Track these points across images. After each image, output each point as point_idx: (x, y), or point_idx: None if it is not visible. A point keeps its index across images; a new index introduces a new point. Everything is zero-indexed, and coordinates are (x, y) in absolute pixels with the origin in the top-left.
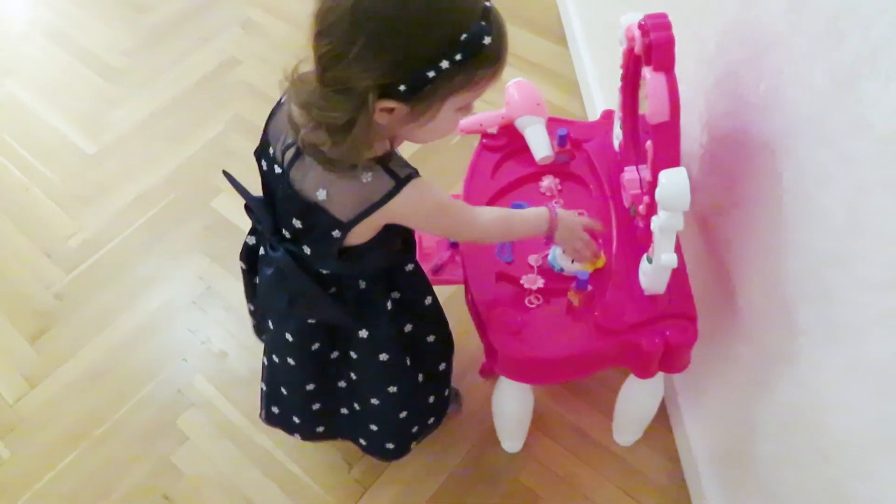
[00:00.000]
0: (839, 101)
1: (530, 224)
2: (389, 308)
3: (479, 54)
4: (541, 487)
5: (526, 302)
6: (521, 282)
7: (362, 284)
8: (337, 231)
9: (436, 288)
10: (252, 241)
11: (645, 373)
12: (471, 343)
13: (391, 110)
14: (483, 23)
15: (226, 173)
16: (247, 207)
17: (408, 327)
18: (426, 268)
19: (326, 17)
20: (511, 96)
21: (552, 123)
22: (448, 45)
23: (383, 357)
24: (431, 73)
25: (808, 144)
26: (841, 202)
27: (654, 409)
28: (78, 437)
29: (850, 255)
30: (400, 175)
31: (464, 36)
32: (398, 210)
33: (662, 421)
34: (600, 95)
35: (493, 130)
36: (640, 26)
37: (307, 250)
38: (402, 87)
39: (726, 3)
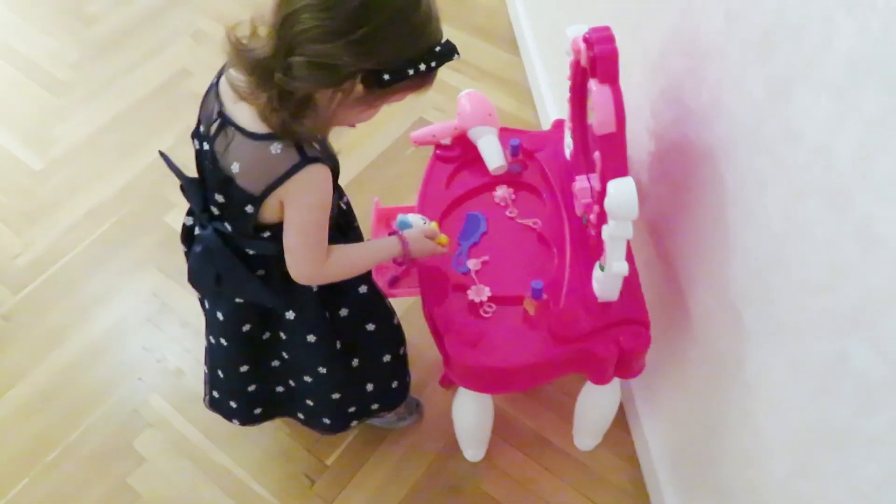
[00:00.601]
0: (774, 109)
1: (387, 252)
2: (315, 290)
3: (441, 66)
4: (503, 495)
5: (481, 312)
6: (468, 294)
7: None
8: (250, 206)
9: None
10: (189, 221)
11: (601, 379)
12: (431, 354)
13: (348, 92)
14: (448, 41)
15: (162, 154)
16: (181, 188)
17: (343, 312)
18: (381, 281)
19: None
20: (463, 107)
21: (504, 133)
22: (428, 52)
23: (311, 338)
24: (411, 72)
25: (747, 151)
26: (779, 207)
27: (612, 414)
28: (29, 462)
29: (789, 258)
30: (308, 154)
31: (438, 48)
32: (292, 188)
33: (621, 424)
34: (553, 103)
35: (447, 141)
36: (585, 39)
37: (229, 228)
38: (385, 77)
39: (667, 13)
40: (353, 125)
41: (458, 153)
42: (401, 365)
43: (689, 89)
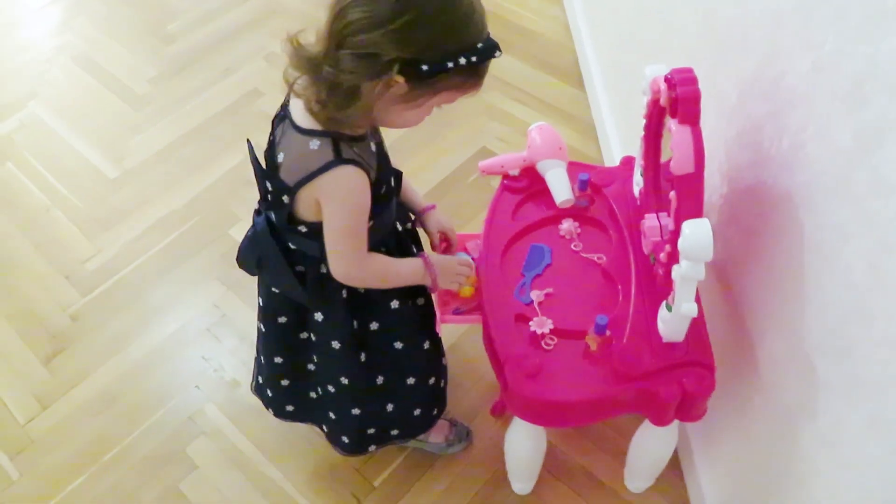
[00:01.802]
0: (862, 161)
1: (408, 279)
2: (345, 296)
3: (485, 64)
4: None
5: (542, 344)
6: (531, 325)
7: (324, 269)
8: (286, 196)
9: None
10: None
11: (661, 420)
12: (484, 382)
13: (391, 85)
14: (492, 38)
15: (249, 142)
16: (255, 175)
17: (373, 325)
18: (447, 309)
19: None
20: (533, 140)
21: (573, 167)
22: (469, 47)
23: (335, 345)
24: (450, 65)
25: (830, 201)
26: (862, 259)
27: (667, 457)
28: (87, 461)
29: (871, 311)
30: (344, 155)
31: (480, 44)
32: (324, 186)
33: (674, 468)
34: (616, 139)
35: (515, 172)
36: (667, 80)
37: (273, 217)
38: (424, 67)
39: (748, 57)
40: (401, 126)
41: (525, 184)
42: (427, 394)
43: (769, 134)
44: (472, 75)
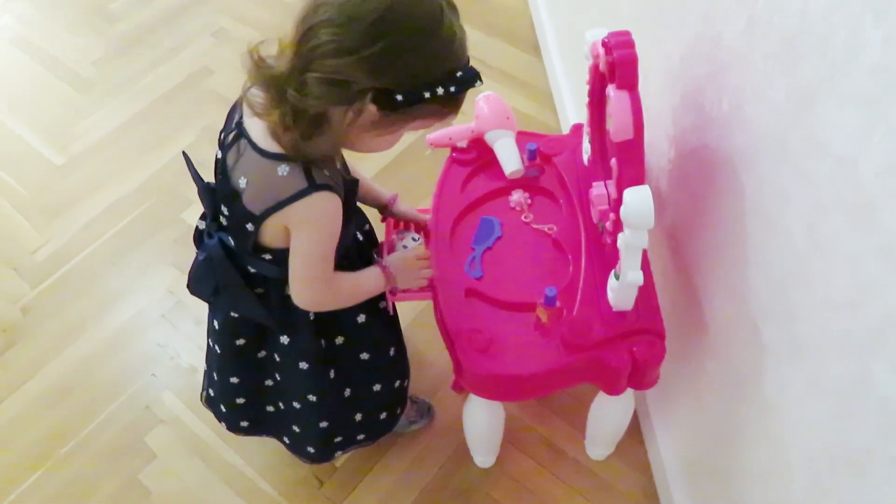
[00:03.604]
0: (798, 120)
1: (370, 286)
2: (311, 318)
3: (463, 93)
4: (513, 503)
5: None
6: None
7: (287, 290)
8: (250, 224)
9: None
10: (202, 225)
11: (613, 389)
12: (444, 358)
13: (362, 112)
14: (471, 66)
15: (184, 154)
16: (199, 193)
17: (338, 339)
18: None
19: (345, 9)
20: (481, 110)
21: (522, 137)
22: (448, 76)
23: (303, 365)
24: (427, 95)
25: (770, 162)
26: (801, 221)
27: (625, 424)
28: (43, 455)
29: (811, 274)
30: (316, 180)
31: (460, 73)
32: (298, 214)
33: (635, 434)
34: (573, 107)
35: (463, 144)
36: (604, 44)
37: (231, 242)
38: (398, 97)
39: (689, 18)
40: (370, 151)
41: (474, 156)
42: (394, 397)
43: (710, 96)
44: (450, 103)
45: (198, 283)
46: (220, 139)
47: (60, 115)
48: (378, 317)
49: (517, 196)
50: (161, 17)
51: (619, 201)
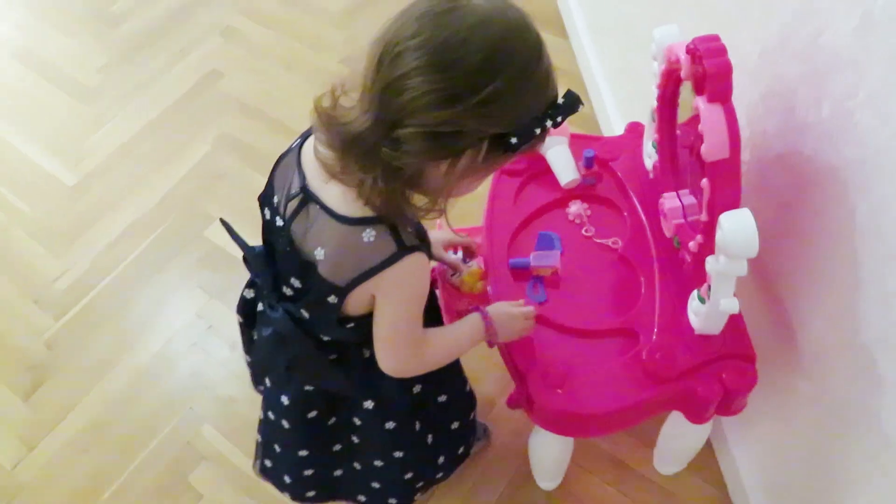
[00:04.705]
0: None
1: (471, 339)
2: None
3: (563, 120)
4: None
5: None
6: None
7: (366, 353)
8: (333, 297)
9: None
10: (250, 294)
11: (700, 418)
12: (496, 368)
13: (474, 159)
14: (569, 90)
15: (223, 222)
16: (245, 259)
17: (416, 388)
18: (453, 311)
19: (441, 53)
20: None
21: (575, 141)
22: (551, 104)
23: (390, 425)
24: (538, 131)
25: (893, 185)
26: None
27: (701, 444)
28: (84, 501)
29: None
30: (406, 242)
31: (562, 99)
32: (386, 281)
33: (706, 446)
34: (609, 92)
35: None
36: (690, 51)
37: (305, 314)
38: (513, 140)
39: (774, 13)
40: (459, 196)
41: (524, 166)
42: (469, 429)
43: (804, 100)
44: (546, 131)
45: (268, 361)
46: (272, 203)
47: (68, 130)
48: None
49: (575, 207)
50: (165, 16)
51: (710, 224)
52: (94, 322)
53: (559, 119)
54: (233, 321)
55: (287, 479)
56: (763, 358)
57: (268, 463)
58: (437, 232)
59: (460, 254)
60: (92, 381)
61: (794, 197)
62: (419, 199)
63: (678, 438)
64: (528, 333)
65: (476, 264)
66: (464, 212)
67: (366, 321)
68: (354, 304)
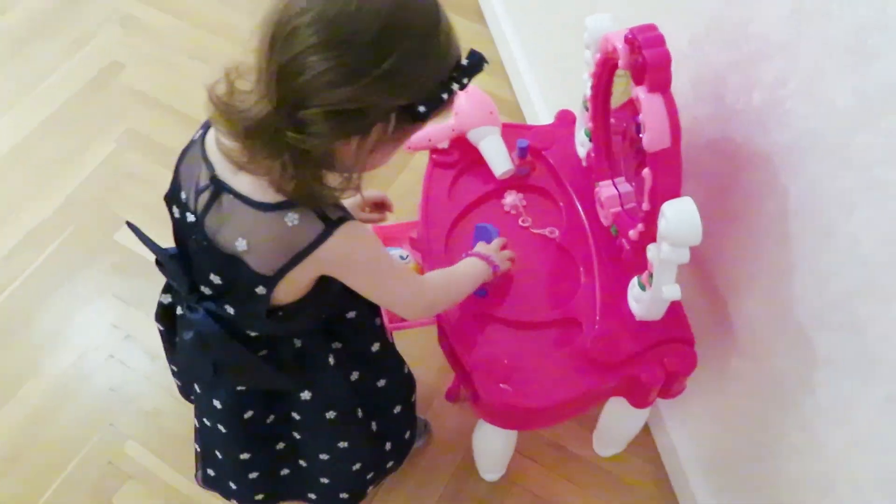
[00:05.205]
0: (869, 124)
1: (474, 277)
2: (332, 363)
3: (469, 81)
4: None
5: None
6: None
7: (298, 343)
8: (261, 287)
9: None
10: (167, 299)
11: (643, 403)
12: (434, 366)
13: (384, 133)
14: (473, 50)
15: (130, 225)
16: (158, 263)
17: (354, 375)
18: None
19: (336, 27)
20: (460, 106)
21: (507, 131)
22: (456, 68)
23: (330, 415)
24: (445, 96)
25: (824, 165)
26: (873, 231)
27: (640, 426)
28: None
29: (886, 289)
30: (331, 217)
31: (465, 60)
32: (329, 258)
33: (643, 427)
34: (531, 76)
35: (444, 145)
36: (629, 40)
37: (230, 310)
38: (421, 109)
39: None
40: (373, 169)
41: (457, 157)
42: (411, 412)
43: (735, 87)
44: (453, 96)
45: (192, 366)
46: (179, 199)
47: None
48: (388, 340)
49: (511, 198)
50: (55, 5)
51: (652, 213)
52: None
53: (465, 81)
54: (153, 330)
55: (233, 486)
56: (700, 339)
57: (210, 472)
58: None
59: (409, 255)
60: None
61: (726, 182)
62: (333, 179)
63: (618, 422)
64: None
65: (412, 259)
66: (399, 206)
67: (296, 308)
68: (286, 291)
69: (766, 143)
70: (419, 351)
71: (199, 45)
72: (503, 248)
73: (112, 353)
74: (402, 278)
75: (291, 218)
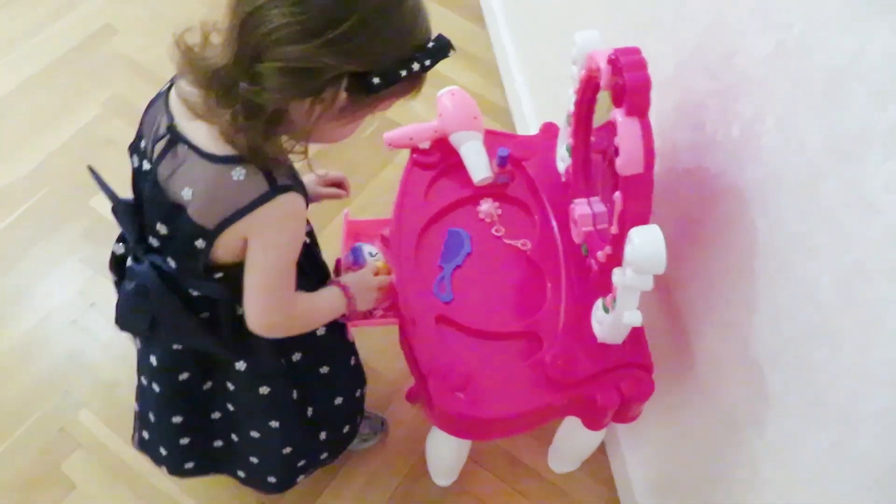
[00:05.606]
0: (838, 170)
1: (331, 311)
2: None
3: (435, 65)
4: None
5: None
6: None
7: (239, 310)
8: (200, 240)
9: None
10: (120, 249)
11: (596, 425)
12: (395, 366)
13: (329, 102)
14: (441, 35)
15: (91, 169)
16: (113, 211)
17: (296, 356)
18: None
19: None
20: (444, 107)
21: (490, 137)
22: (420, 48)
23: (264, 390)
24: (403, 73)
25: (792, 207)
26: (831, 277)
27: (595, 446)
28: None
29: (839, 335)
30: (278, 181)
31: (432, 44)
32: (258, 222)
33: (599, 447)
34: (524, 84)
35: (426, 145)
36: (611, 61)
37: (172, 264)
38: (375, 80)
39: (691, 27)
40: (332, 142)
41: (437, 159)
42: (354, 407)
43: (714, 118)
44: (418, 78)
45: (129, 319)
46: (139, 147)
47: None
48: (336, 327)
49: (486, 206)
50: None
51: (619, 237)
52: None
53: (427, 63)
54: None
55: (163, 451)
56: (659, 365)
57: (145, 434)
58: (310, 175)
59: (378, 252)
60: None
61: (698, 211)
62: (285, 141)
63: (574, 440)
64: (383, 304)
65: (381, 257)
66: (378, 203)
67: (235, 273)
68: (224, 249)
69: (740, 177)
70: (384, 347)
71: (193, 18)
72: (377, 273)
73: (75, 319)
74: (286, 283)
75: (238, 173)
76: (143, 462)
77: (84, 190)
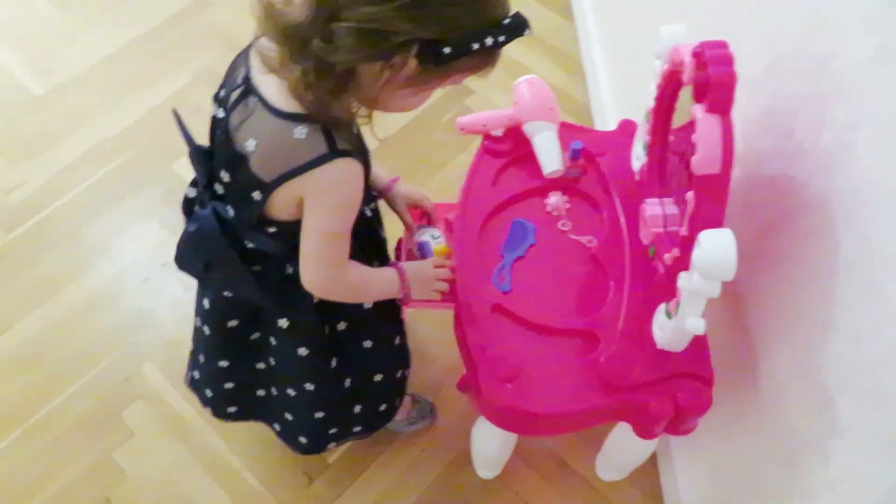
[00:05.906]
0: None
1: (383, 292)
2: (316, 300)
3: (510, 41)
4: None
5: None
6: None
7: (289, 269)
8: (258, 192)
9: None
10: (192, 193)
11: (647, 434)
12: (450, 353)
13: (399, 68)
14: (518, 13)
15: (175, 113)
16: (190, 155)
17: (341, 325)
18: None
19: None
20: (521, 96)
21: (564, 130)
22: (496, 24)
23: (302, 351)
24: (476, 46)
25: (882, 223)
26: None
27: (645, 457)
28: (9, 424)
29: None
30: (338, 144)
31: (508, 20)
32: (314, 183)
33: (649, 459)
34: (607, 83)
35: (498, 132)
36: (696, 55)
37: (231, 212)
38: (446, 50)
39: (787, 27)
40: (399, 111)
41: (509, 147)
42: (394, 387)
43: (805, 124)
44: (492, 55)
45: (186, 258)
46: (218, 96)
47: (42, 38)
48: (387, 304)
49: (555, 199)
50: None
51: (689, 239)
52: (45, 241)
53: (501, 39)
54: None
55: (209, 393)
56: (720, 380)
57: (195, 374)
58: (403, 186)
59: (441, 235)
60: (34, 303)
61: (778, 222)
62: (351, 103)
63: (624, 448)
64: (442, 289)
65: (443, 241)
66: (442, 186)
67: (287, 230)
68: (280, 205)
69: (827, 189)
70: (443, 333)
71: None
72: (438, 266)
73: (148, 276)
74: (340, 250)
75: (300, 131)
76: (198, 419)
77: (168, 154)
